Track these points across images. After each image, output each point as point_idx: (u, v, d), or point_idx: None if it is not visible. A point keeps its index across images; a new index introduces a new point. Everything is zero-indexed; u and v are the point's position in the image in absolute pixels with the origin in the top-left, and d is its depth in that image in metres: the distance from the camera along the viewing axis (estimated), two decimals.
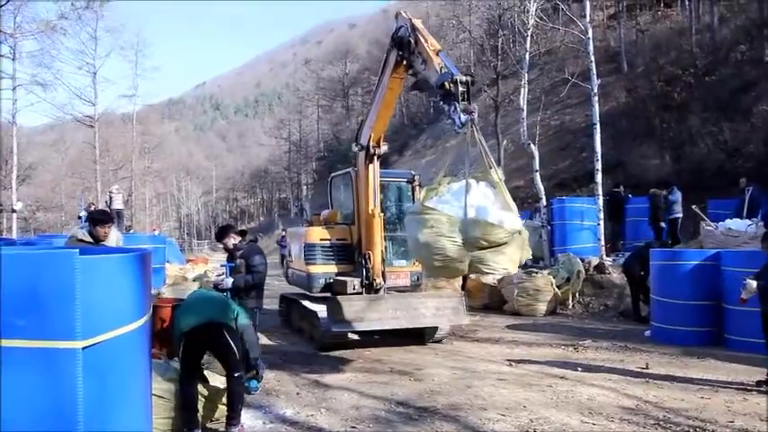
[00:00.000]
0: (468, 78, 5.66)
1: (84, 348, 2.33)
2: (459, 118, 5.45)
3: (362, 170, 8.35)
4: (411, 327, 7.99)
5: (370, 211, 8.22)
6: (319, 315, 8.03)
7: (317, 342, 8.39)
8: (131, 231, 22.95)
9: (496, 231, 5.10)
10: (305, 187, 74.95)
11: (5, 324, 2.19)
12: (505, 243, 5.15)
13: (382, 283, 8.16)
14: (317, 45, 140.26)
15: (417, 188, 9.14)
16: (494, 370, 7.12)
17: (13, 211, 25.03)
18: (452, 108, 5.52)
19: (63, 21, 25.46)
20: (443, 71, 5.88)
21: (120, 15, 57.26)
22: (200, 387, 4.95)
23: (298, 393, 6.17)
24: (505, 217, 5.22)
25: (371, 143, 8.11)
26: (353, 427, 5.14)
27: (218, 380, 5.27)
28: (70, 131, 54.17)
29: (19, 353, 2.23)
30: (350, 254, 8.82)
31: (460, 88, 5.56)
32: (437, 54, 6.23)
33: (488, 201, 5.42)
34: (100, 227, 5.47)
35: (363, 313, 7.43)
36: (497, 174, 5.64)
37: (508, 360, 7.63)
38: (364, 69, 64.07)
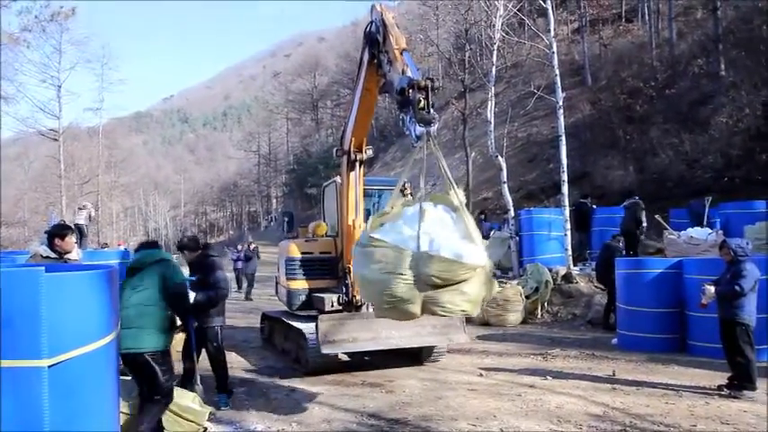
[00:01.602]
0: (429, 83, 4.85)
1: (50, 366, 2.31)
2: (415, 129, 4.72)
3: (344, 178, 7.87)
4: (407, 347, 7.46)
5: (350, 222, 7.73)
6: (306, 335, 7.35)
7: (304, 364, 7.65)
8: (106, 248, 22.48)
9: (453, 268, 4.33)
10: (275, 200, 74.56)
11: None
12: (464, 281, 4.38)
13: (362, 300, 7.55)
14: (286, 58, 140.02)
15: (409, 196, 8.53)
16: (464, 380, 7.17)
17: None
18: (409, 117, 4.80)
19: (26, 33, 25.07)
20: (405, 74, 5.21)
21: (86, 28, 56.45)
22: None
23: (268, 409, 6.13)
24: (465, 249, 4.41)
25: (352, 148, 7.63)
26: None
27: (186, 396, 5.22)
28: (34, 145, 53.14)
29: None
30: (334, 268, 8.27)
31: (418, 95, 4.78)
32: (401, 53, 5.57)
33: (446, 229, 4.62)
34: (58, 239, 5.32)
35: (356, 333, 6.99)
36: (458, 196, 4.84)
37: (479, 369, 7.70)
38: (333, 83, 64.26)
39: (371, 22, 6.26)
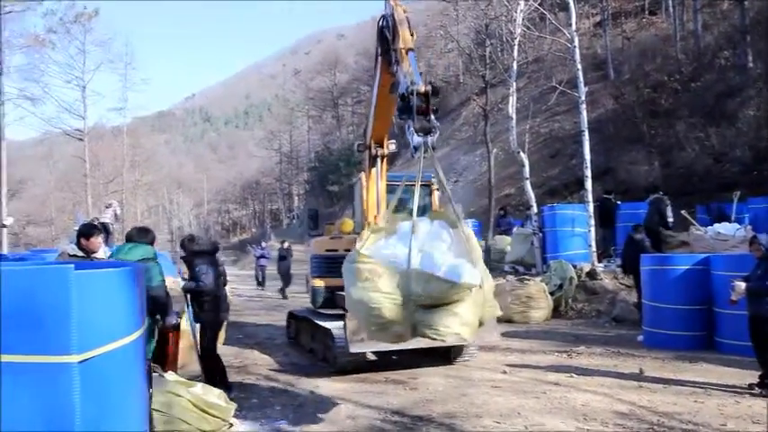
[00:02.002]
0: (429, 89, 4.53)
1: (80, 362, 2.34)
2: (413, 139, 4.42)
3: (366, 173, 7.70)
4: (437, 346, 7.19)
5: (372, 218, 7.49)
6: (334, 334, 7.22)
7: (331, 364, 7.52)
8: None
9: (443, 287, 4.05)
10: (296, 198, 74.92)
11: (3, 339, 2.20)
12: (457, 301, 4.10)
13: None
14: (306, 56, 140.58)
15: (435, 193, 8.37)
16: (488, 377, 7.14)
17: (3, 226, 24.84)
18: (408, 125, 4.51)
19: (51, 35, 25.50)
20: (407, 77, 4.89)
21: (109, 28, 57.23)
22: (192, 399, 4.96)
23: (293, 404, 6.17)
24: (459, 268, 4.12)
25: (373, 144, 7.44)
26: None
27: (212, 393, 5.27)
28: (60, 145, 53.91)
29: (17, 368, 2.24)
30: None
31: (417, 101, 4.47)
32: (407, 53, 5.25)
33: (441, 246, 4.39)
34: (84, 239, 5.40)
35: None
36: (456, 211, 4.65)
37: (503, 366, 7.66)
38: (354, 79, 64.31)
39: (383, 17, 6.04)
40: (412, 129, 4.43)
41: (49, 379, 2.31)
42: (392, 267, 4.24)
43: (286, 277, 18.52)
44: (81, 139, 33.27)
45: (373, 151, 7.48)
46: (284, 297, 17.64)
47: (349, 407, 6.01)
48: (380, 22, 6.09)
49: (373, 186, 7.64)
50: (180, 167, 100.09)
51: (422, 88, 4.52)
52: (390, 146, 7.56)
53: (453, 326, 4.12)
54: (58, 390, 2.31)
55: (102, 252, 5.93)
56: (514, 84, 16.07)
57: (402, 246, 4.33)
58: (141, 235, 5.48)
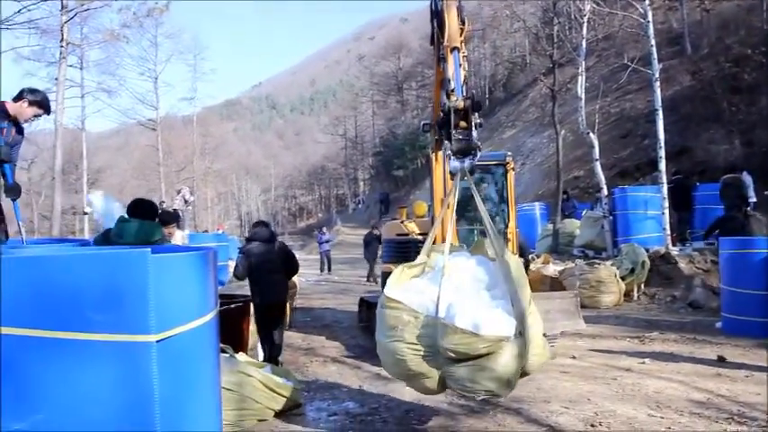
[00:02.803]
0: (468, 103, 3.97)
1: (157, 341, 2.44)
2: (450, 162, 4.02)
3: (434, 155, 7.41)
4: None
5: (438, 201, 7.17)
6: None
7: None
8: (204, 231, 23.72)
9: (469, 341, 3.61)
10: (362, 183, 75.50)
11: (86, 319, 2.31)
12: (487, 354, 3.63)
13: None
14: (370, 41, 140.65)
15: (511, 173, 8.06)
16: (556, 362, 7.01)
17: (85, 213, 26.32)
18: (444, 146, 4.10)
19: (125, 29, 26.52)
20: (449, 84, 4.36)
21: (178, 21, 59.06)
22: (262, 379, 5.11)
23: (360, 387, 6.26)
24: (487, 317, 3.69)
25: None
26: (416, 420, 5.18)
27: (281, 373, 5.42)
28: (135, 135, 56.25)
29: (98, 346, 2.34)
30: None
31: (454, 118, 3.99)
32: (451, 52, 4.68)
33: (474, 289, 3.96)
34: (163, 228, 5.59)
35: None
36: (494, 244, 4.05)
37: (572, 351, 7.50)
38: (418, 63, 63.90)
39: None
40: (449, 150, 4.02)
41: (129, 357, 2.41)
42: (417, 314, 3.84)
43: (372, 263, 18.20)
44: (154, 129, 34.65)
45: (435, 133, 7.07)
46: (369, 281, 17.56)
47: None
48: (433, 5, 5.74)
49: (440, 168, 7.34)
50: (248, 155, 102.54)
51: (460, 104, 4.00)
52: None
53: (483, 381, 3.65)
54: (138, 367, 2.41)
55: (181, 238, 6.18)
56: (583, 63, 15.57)
57: (434, 287, 3.90)
58: (136, 210, 4.35)
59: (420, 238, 7.69)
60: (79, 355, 2.22)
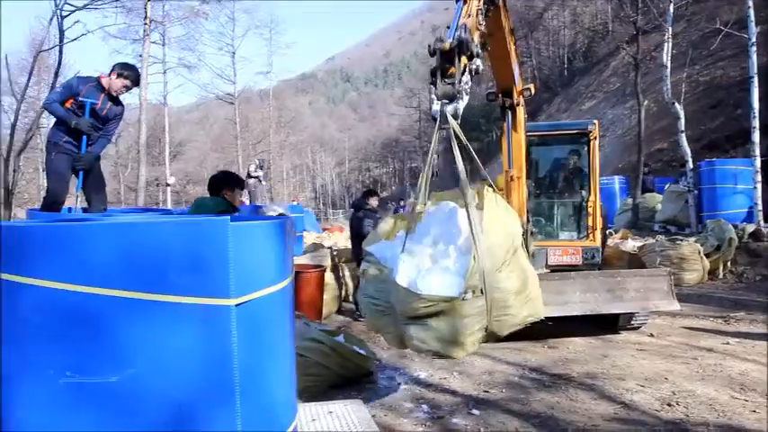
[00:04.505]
0: (455, 44, 3.68)
1: (237, 305, 2.54)
2: (431, 106, 3.75)
3: (502, 125, 6.97)
4: (605, 313, 6.68)
5: (504, 173, 6.83)
6: None
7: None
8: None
9: (407, 299, 3.37)
10: (436, 156, 75.05)
11: (171, 283, 2.43)
12: (434, 314, 3.37)
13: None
14: (445, 12, 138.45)
15: (594, 142, 7.70)
16: (633, 340, 6.83)
17: (167, 184, 27.59)
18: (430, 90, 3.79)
19: (205, 5, 27.21)
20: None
21: None
22: (335, 346, 5.25)
23: (430, 357, 6.31)
24: (428, 275, 3.39)
25: (500, 95, 6.62)
26: (486, 391, 5.19)
27: (352, 341, 5.55)
28: (213, 109, 58.02)
29: (182, 308, 2.47)
30: None
31: (440, 62, 3.74)
32: (457, 1, 4.38)
33: (433, 243, 3.71)
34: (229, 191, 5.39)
35: (546, 296, 6.16)
36: (463, 193, 3.57)
37: (650, 330, 7.27)
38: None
39: None
40: (432, 93, 3.73)
41: (210, 319, 2.53)
42: (384, 269, 3.67)
43: None
44: (232, 103, 35.61)
45: (499, 101, 6.70)
46: None
47: (486, 362, 6.04)
48: None
49: (505, 139, 6.94)
50: (323, 127, 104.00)
51: (446, 45, 3.72)
52: (525, 92, 6.59)
53: (429, 341, 3.44)
54: (218, 329, 2.53)
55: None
56: (670, 29, 14.79)
57: (408, 243, 3.68)
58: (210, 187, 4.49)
59: None
60: (165, 315, 2.35)
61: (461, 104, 3.65)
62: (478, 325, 3.44)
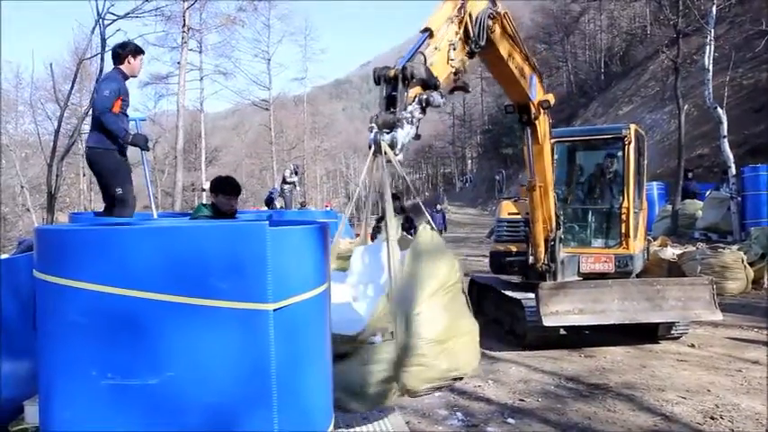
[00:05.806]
0: (398, 71, 3.53)
1: (274, 310, 2.56)
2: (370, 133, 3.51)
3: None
4: (644, 322, 6.53)
5: (527, 182, 6.76)
6: (524, 305, 6.61)
7: (521, 337, 6.94)
8: (306, 208, 24.57)
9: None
10: (469, 161, 74.71)
11: (210, 287, 2.46)
12: (336, 357, 2.94)
13: (551, 266, 6.90)
14: None
15: (629, 147, 7.46)
16: (673, 350, 6.67)
17: (203, 189, 28.00)
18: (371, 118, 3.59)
19: (241, 13, 27.68)
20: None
21: (290, 2, 60.72)
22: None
23: None
24: (337, 312, 2.97)
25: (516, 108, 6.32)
26: (522, 400, 5.12)
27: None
28: (248, 115, 58.71)
29: (222, 312, 2.49)
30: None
31: (386, 89, 3.57)
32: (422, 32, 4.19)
33: (375, 278, 3.44)
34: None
35: (583, 304, 6.19)
36: (389, 227, 3.26)
37: (691, 340, 7.07)
38: (528, 38, 61.68)
39: None
40: (372, 123, 3.51)
41: (248, 323, 2.55)
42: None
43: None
44: (267, 109, 36.13)
45: (518, 115, 6.37)
46: None
47: (521, 370, 5.97)
48: None
49: (526, 150, 6.70)
50: (356, 133, 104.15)
51: (391, 73, 3.56)
52: (543, 104, 6.22)
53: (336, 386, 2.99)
54: (256, 333, 2.54)
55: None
56: (712, 31, 14.44)
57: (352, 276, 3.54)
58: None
59: (528, 217, 7.26)
60: (204, 319, 2.37)
61: (400, 134, 3.41)
62: (386, 374, 3.03)
